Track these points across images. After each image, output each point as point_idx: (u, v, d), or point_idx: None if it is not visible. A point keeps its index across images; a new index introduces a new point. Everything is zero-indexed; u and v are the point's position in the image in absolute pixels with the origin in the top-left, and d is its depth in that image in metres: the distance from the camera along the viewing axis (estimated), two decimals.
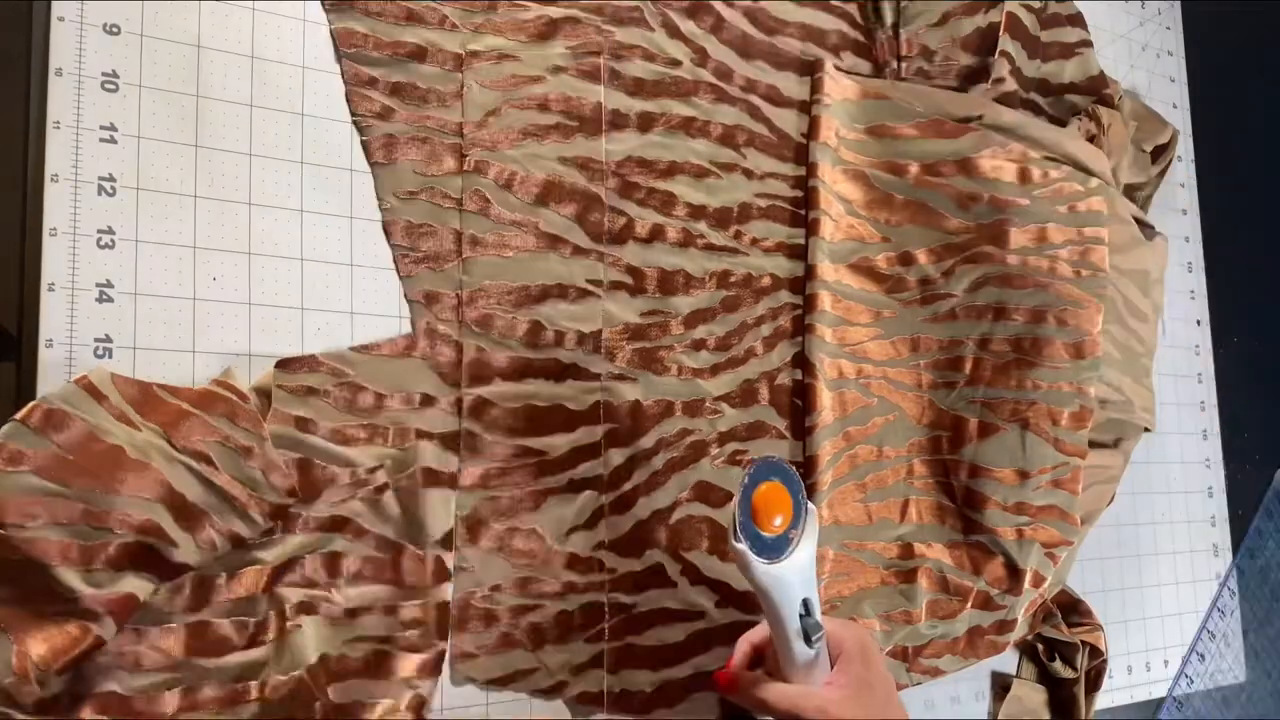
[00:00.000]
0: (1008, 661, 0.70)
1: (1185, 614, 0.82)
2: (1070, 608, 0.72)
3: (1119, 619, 0.77)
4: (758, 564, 0.44)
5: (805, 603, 0.45)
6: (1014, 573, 0.65)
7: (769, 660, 0.49)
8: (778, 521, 0.44)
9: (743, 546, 0.44)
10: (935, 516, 0.66)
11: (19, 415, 0.40)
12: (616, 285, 0.56)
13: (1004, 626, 0.66)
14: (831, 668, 0.48)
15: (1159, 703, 0.79)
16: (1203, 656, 0.82)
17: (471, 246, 0.52)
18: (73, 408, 0.41)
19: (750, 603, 0.58)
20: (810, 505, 0.46)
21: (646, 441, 0.56)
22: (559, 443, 0.54)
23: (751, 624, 0.53)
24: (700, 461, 0.58)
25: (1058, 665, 0.69)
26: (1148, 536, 0.80)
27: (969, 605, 0.65)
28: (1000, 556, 0.65)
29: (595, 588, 0.54)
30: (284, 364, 0.47)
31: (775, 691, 0.47)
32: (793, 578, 0.45)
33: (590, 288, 0.55)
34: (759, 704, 0.48)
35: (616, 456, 0.55)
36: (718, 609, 0.57)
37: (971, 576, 0.65)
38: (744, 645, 0.52)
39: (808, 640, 0.46)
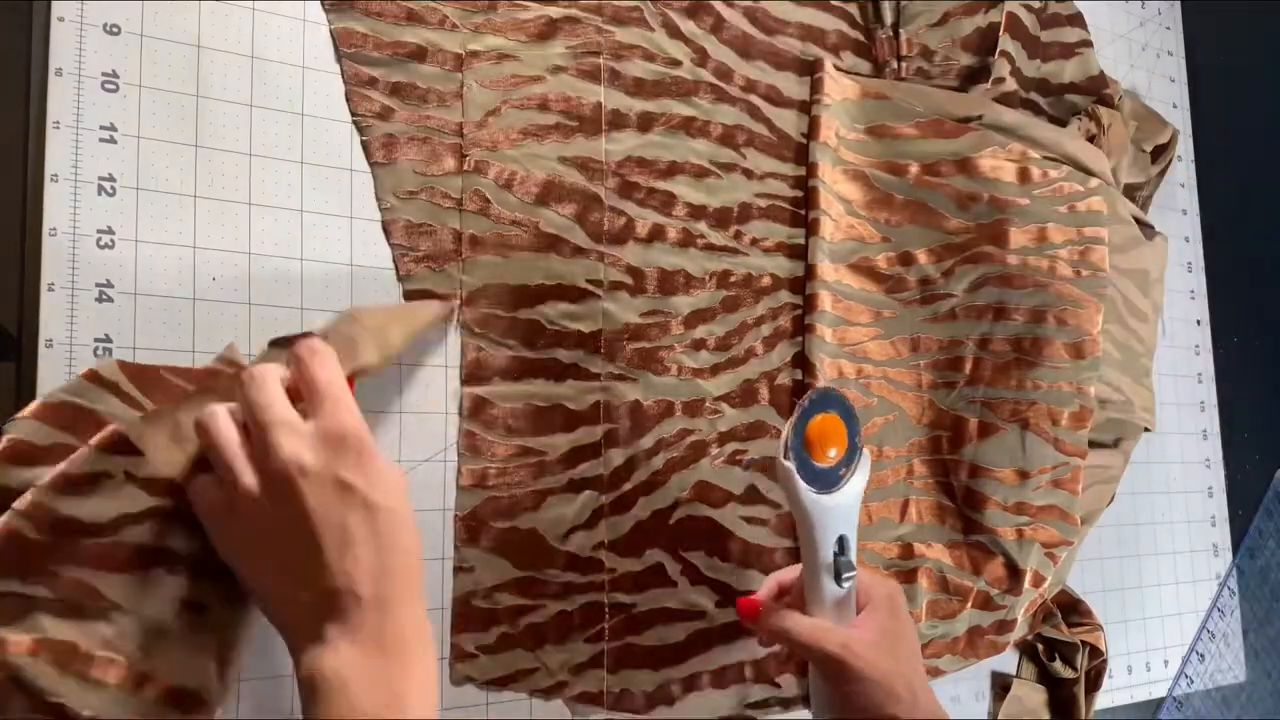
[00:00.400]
0: (1008, 661, 0.70)
1: (1185, 614, 0.82)
2: (1070, 608, 0.72)
3: (1119, 619, 0.77)
4: (804, 488, 0.43)
5: (841, 540, 0.45)
6: (1014, 573, 0.65)
7: (794, 596, 0.49)
8: (832, 453, 0.44)
9: (790, 465, 0.43)
10: (935, 516, 0.66)
11: (24, 412, 0.39)
12: (616, 285, 0.56)
13: (1004, 626, 0.66)
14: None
15: (1159, 703, 0.79)
16: (1203, 656, 0.82)
17: (471, 246, 0.52)
18: (81, 399, 0.40)
19: None
20: (865, 450, 0.46)
21: (646, 441, 0.56)
22: (559, 442, 0.54)
23: None
24: (700, 461, 0.58)
25: (1058, 665, 0.69)
26: (1148, 536, 0.80)
27: (969, 605, 0.64)
28: (1000, 556, 0.65)
29: (595, 588, 0.54)
30: None
31: (799, 622, 0.47)
32: (835, 510, 0.44)
33: (590, 288, 0.55)
34: (781, 633, 0.47)
35: (616, 456, 0.55)
36: (718, 609, 0.57)
37: (971, 576, 0.65)
38: (771, 583, 0.51)
39: (838, 578, 0.45)
